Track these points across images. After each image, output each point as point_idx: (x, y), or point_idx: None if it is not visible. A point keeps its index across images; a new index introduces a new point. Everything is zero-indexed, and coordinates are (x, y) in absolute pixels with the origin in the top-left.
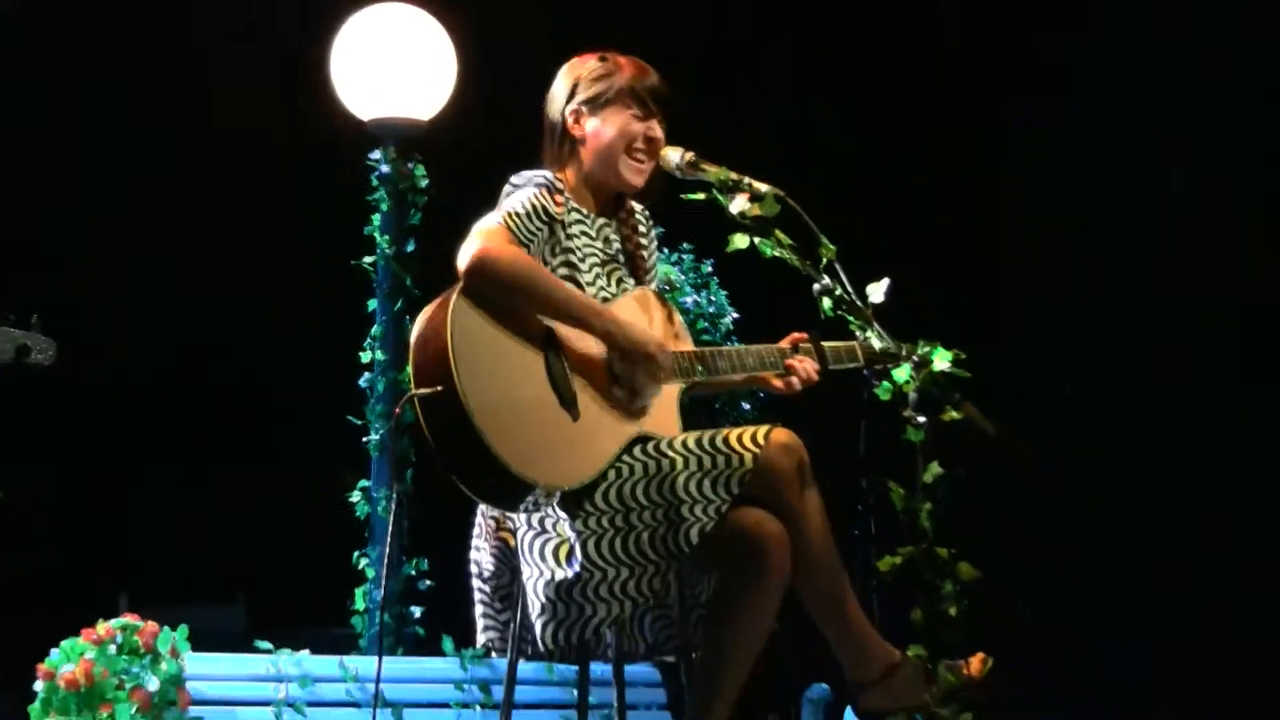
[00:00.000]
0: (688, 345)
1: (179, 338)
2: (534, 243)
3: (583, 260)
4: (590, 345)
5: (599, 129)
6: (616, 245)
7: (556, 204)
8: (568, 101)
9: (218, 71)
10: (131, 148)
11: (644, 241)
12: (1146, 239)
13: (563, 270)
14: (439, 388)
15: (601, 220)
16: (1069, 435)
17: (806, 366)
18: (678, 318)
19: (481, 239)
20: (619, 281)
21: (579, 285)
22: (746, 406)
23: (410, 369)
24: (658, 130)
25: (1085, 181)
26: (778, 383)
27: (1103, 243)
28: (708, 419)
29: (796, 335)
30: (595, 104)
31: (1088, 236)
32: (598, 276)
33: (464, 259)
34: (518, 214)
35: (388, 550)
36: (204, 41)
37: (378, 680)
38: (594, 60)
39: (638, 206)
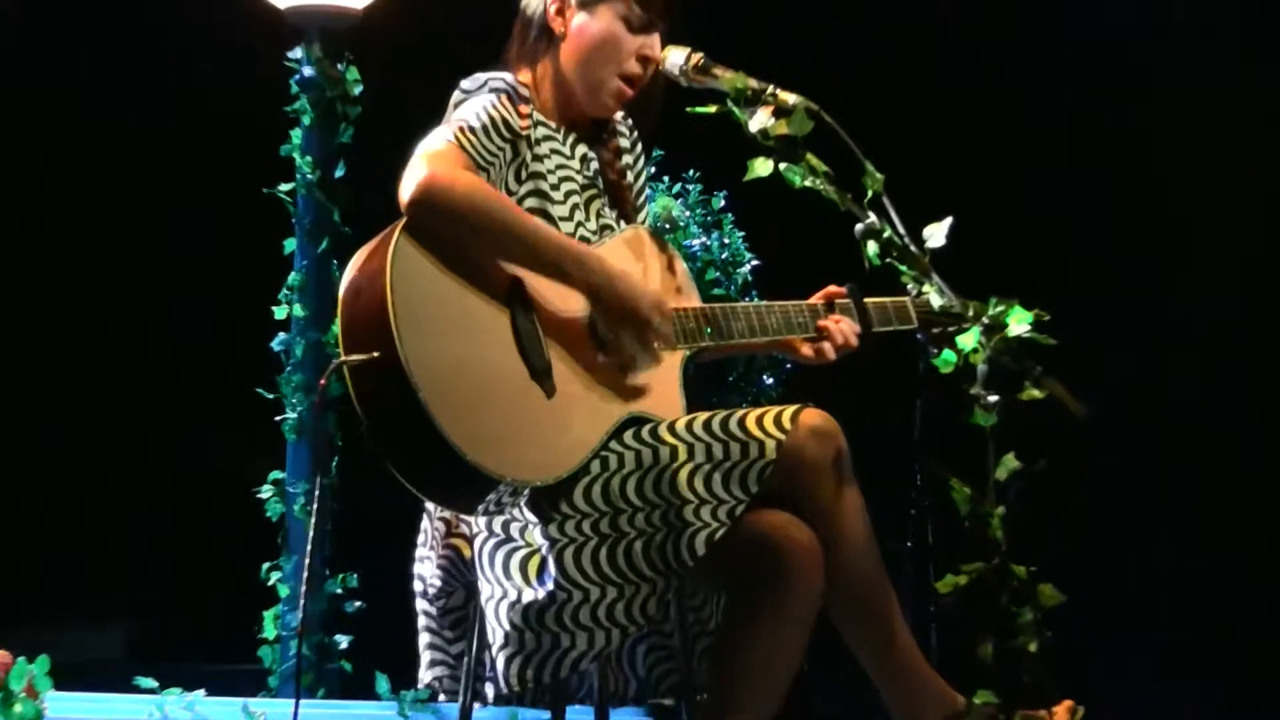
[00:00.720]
0: (694, 301)
1: (45, 284)
2: (494, 166)
3: (556, 188)
4: (569, 300)
5: (585, 26)
6: (596, 167)
7: (520, 115)
8: None
9: None
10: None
11: (629, 160)
12: None
13: (532, 201)
14: (374, 353)
15: (576, 136)
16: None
17: (844, 328)
18: (680, 266)
19: (427, 163)
20: (599, 216)
21: (551, 221)
22: (769, 380)
23: (338, 328)
24: (656, 48)
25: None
26: (807, 349)
27: None
28: (719, 396)
29: (833, 289)
30: None
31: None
32: (575, 209)
33: (407, 188)
34: (472, 129)
35: (307, 562)
36: None
37: None
38: None
39: (619, 116)
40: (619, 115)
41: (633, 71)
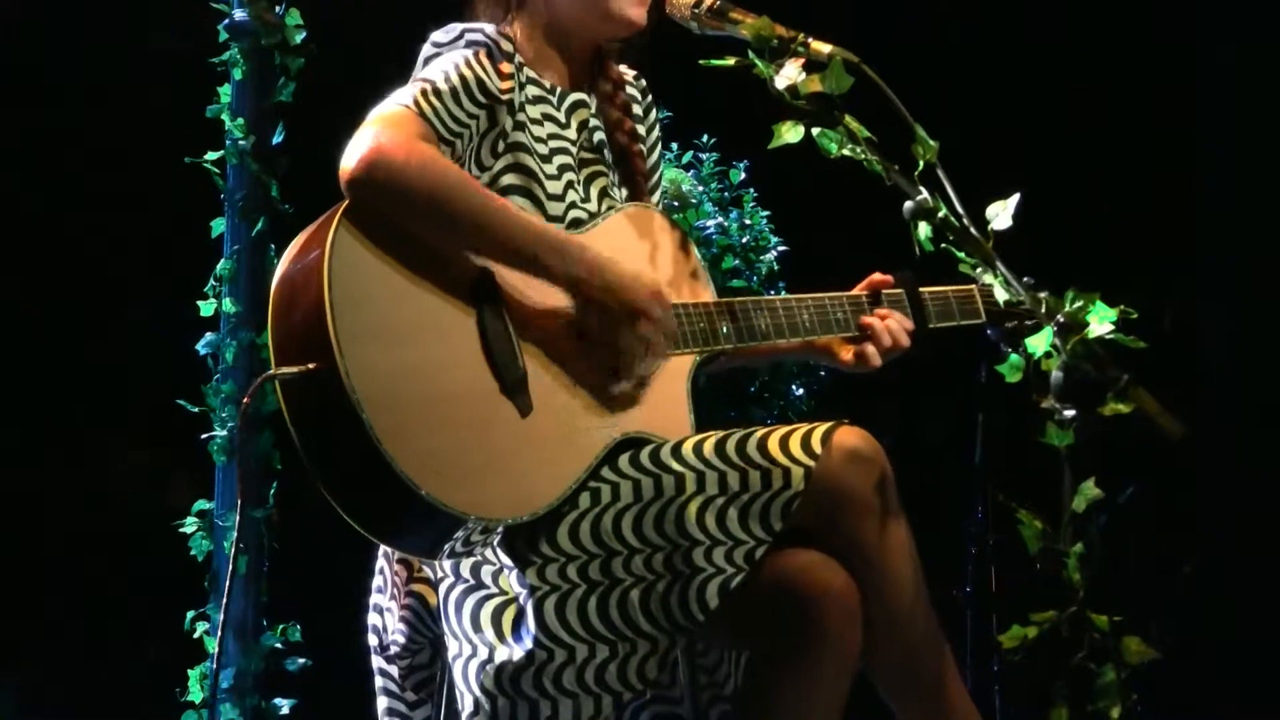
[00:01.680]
0: (708, 295)
1: None
2: (463, 136)
3: (547, 160)
4: (549, 296)
5: None
6: (600, 135)
7: (501, 74)
8: None
9: None
10: None
11: (640, 129)
12: None
13: (511, 178)
14: (310, 365)
15: (575, 96)
16: None
17: (892, 326)
18: (694, 252)
19: (377, 132)
20: (603, 193)
21: (539, 202)
22: (798, 391)
23: (269, 333)
24: None
25: None
26: (846, 354)
27: None
28: (737, 411)
29: (878, 278)
30: None
31: None
32: (569, 186)
33: (348, 162)
34: (438, 91)
35: (230, 608)
36: None
37: None
38: None
39: (630, 74)
40: (630, 75)
41: None
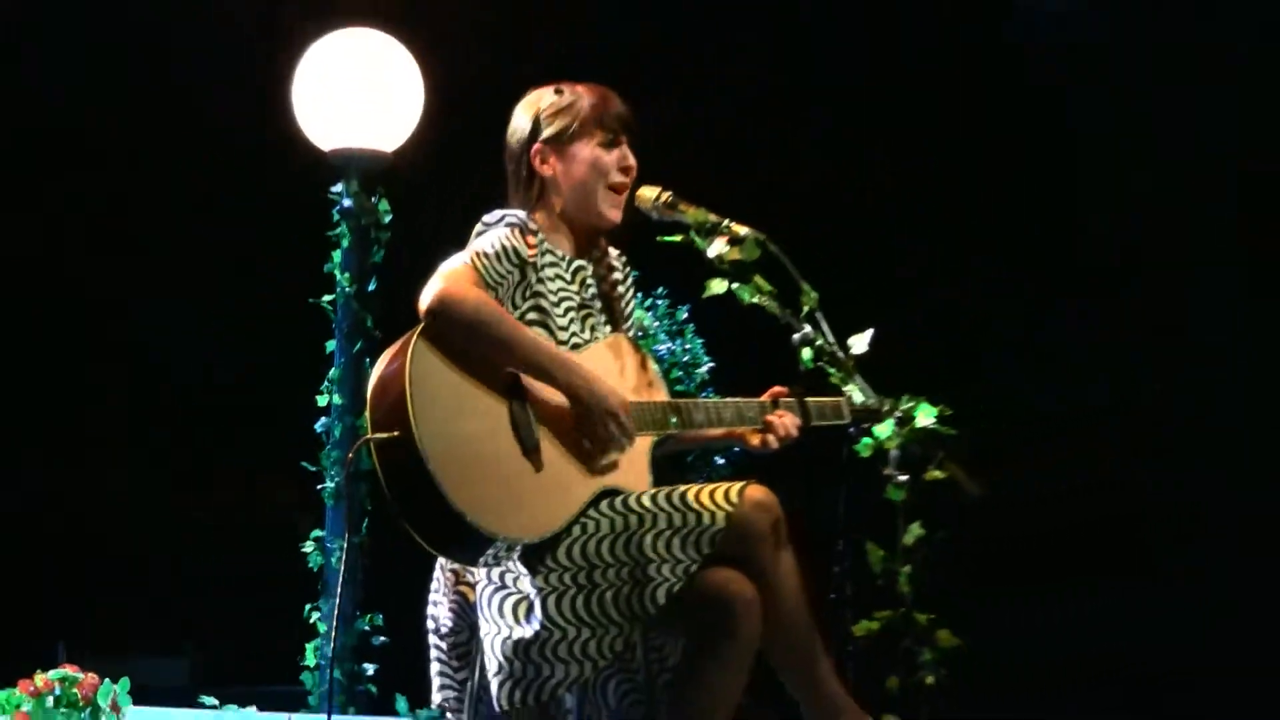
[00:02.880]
0: (662, 395)
1: (133, 373)
2: (503, 286)
3: (557, 305)
4: (557, 395)
5: (568, 166)
6: (592, 289)
7: (529, 245)
8: (530, 140)
9: (181, 96)
10: (89, 178)
11: (620, 286)
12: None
13: (533, 315)
14: (395, 433)
15: (578, 263)
16: None
17: (786, 423)
18: (652, 365)
19: (445, 280)
20: (593, 328)
21: (551, 331)
22: (720, 461)
23: (368, 413)
24: (630, 157)
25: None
26: (755, 439)
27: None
28: (678, 474)
29: (778, 389)
30: (560, 141)
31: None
32: (571, 321)
33: (425, 299)
34: (487, 254)
35: (338, 603)
36: (168, 64)
37: None
38: (550, 93)
39: (614, 251)
40: (614, 252)
41: (618, 181)
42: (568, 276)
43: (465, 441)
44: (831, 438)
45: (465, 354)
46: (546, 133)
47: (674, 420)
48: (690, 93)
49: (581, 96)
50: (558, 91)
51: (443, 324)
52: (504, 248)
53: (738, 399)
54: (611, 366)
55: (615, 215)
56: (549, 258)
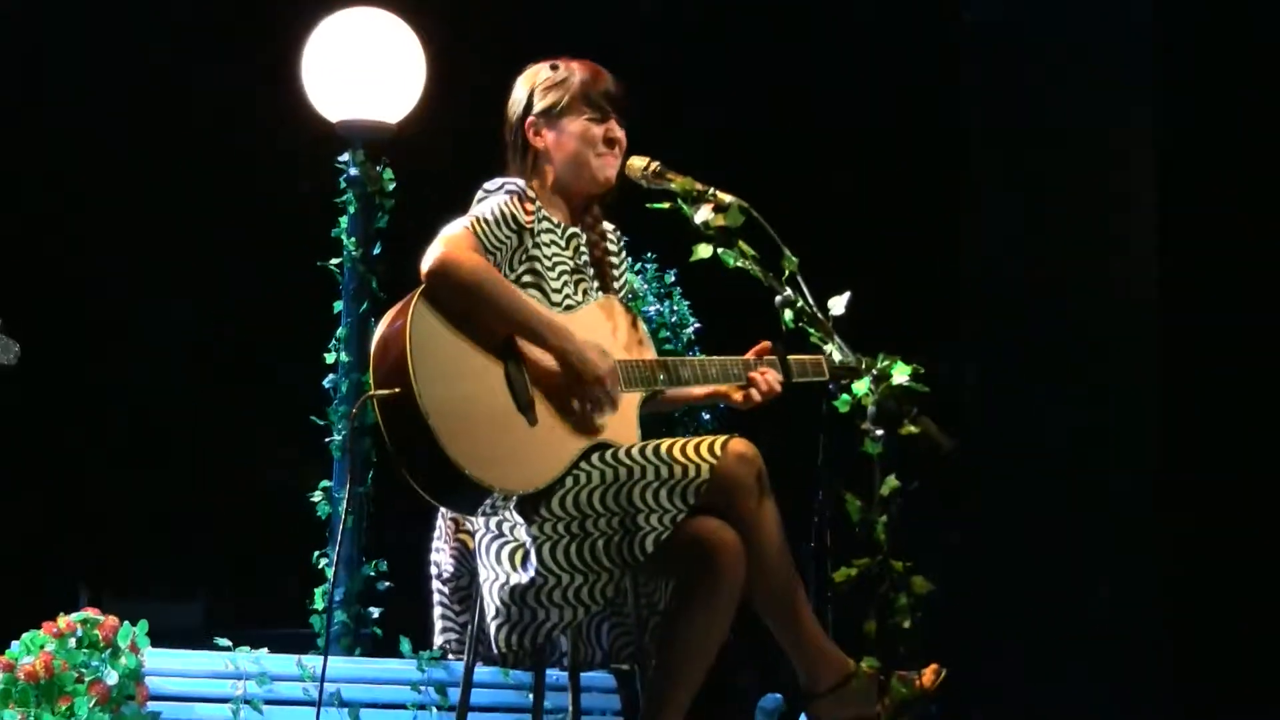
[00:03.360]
0: (650, 354)
1: (144, 336)
2: (501, 251)
3: (551, 269)
4: (549, 356)
5: (559, 138)
6: (585, 255)
7: (526, 212)
8: (525, 114)
9: (190, 73)
10: (100, 149)
11: (612, 249)
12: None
13: (528, 278)
14: (396, 390)
15: (572, 230)
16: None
17: (769, 378)
18: (641, 326)
19: (445, 244)
20: (585, 292)
21: (545, 293)
22: (706, 417)
23: (371, 371)
24: (617, 130)
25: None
26: (738, 396)
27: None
28: (667, 429)
29: (762, 346)
30: (551, 114)
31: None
32: (565, 285)
33: (426, 262)
34: (486, 220)
35: (338, 550)
36: (176, 43)
37: (322, 679)
38: (546, 69)
39: (609, 226)
40: (609, 227)
41: (606, 151)
42: (562, 243)
43: (463, 399)
44: (812, 395)
45: (463, 315)
46: (539, 106)
47: (661, 377)
48: (681, 62)
49: (574, 73)
50: (553, 67)
51: (441, 286)
52: (502, 214)
53: (723, 357)
54: (603, 327)
55: (610, 173)
56: (545, 224)
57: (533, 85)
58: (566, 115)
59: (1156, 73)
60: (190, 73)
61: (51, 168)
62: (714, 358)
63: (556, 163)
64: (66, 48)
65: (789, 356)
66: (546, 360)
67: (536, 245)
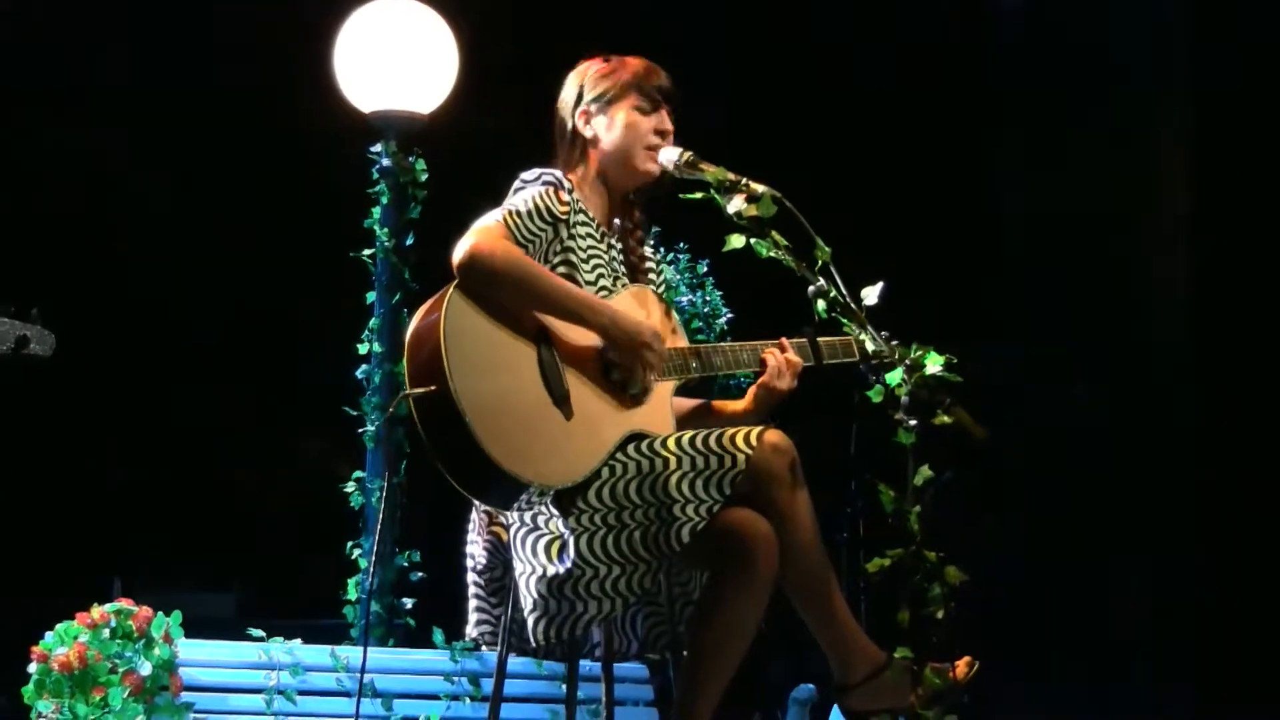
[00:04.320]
0: (683, 342)
1: (179, 326)
2: (534, 243)
3: (585, 261)
4: (583, 337)
5: (608, 126)
6: (620, 251)
7: (561, 202)
8: (576, 104)
9: (224, 65)
10: (137, 142)
11: (649, 254)
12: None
13: (563, 269)
14: (432, 387)
15: (605, 230)
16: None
17: (782, 358)
18: (674, 315)
19: (476, 235)
20: (618, 282)
21: (578, 283)
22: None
23: (405, 366)
24: (667, 122)
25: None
26: (769, 382)
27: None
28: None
29: (785, 340)
30: (601, 102)
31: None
32: (600, 277)
33: (457, 254)
34: (519, 212)
35: (376, 541)
36: (210, 35)
37: (363, 670)
38: (598, 62)
39: (649, 248)
40: (649, 248)
41: (654, 143)
42: (597, 236)
43: (499, 393)
44: (845, 385)
45: (498, 308)
46: (589, 95)
47: (694, 365)
48: (714, 58)
49: (626, 65)
50: (605, 60)
51: (472, 277)
52: (536, 206)
53: (754, 342)
54: (636, 312)
55: (653, 168)
56: (581, 216)
57: (584, 77)
58: (617, 103)
59: (1194, 63)
60: (225, 65)
61: (91, 162)
62: (744, 343)
63: (604, 151)
64: (107, 41)
65: (820, 339)
66: (580, 346)
67: (572, 237)
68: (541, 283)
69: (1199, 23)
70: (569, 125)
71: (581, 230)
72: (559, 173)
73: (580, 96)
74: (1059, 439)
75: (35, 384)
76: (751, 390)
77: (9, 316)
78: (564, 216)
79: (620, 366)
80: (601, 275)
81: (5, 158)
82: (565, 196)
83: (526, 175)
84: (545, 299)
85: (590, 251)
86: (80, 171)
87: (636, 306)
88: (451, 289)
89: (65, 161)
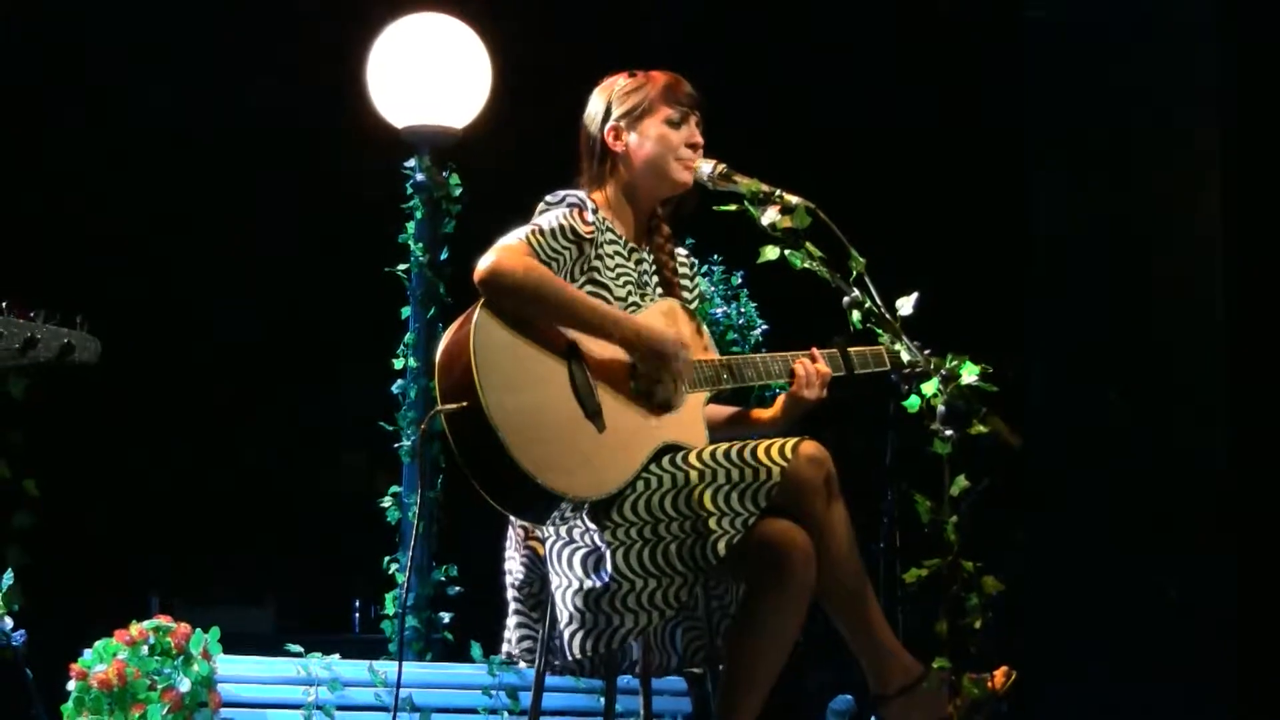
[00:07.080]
0: (714, 356)
1: (216, 340)
2: (558, 261)
3: (615, 279)
4: (613, 352)
5: (639, 141)
6: (645, 268)
7: (585, 223)
8: (604, 120)
9: (256, 80)
10: (171, 154)
11: (683, 270)
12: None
13: (589, 288)
14: (464, 403)
15: (632, 244)
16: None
17: (811, 368)
18: (705, 330)
19: (498, 252)
20: (646, 296)
21: (607, 301)
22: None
23: (436, 382)
24: (697, 135)
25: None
26: (799, 392)
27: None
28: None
29: (816, 349)
30: (631, 117)
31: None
32: (630, 294)
33: (479, 270)
34: (543, 231)
35: (411, 555)
36: (242, 50)
37: (398, 684)
38: (624, 77)
39: (682, 252)
40: (683, 252)
41: (685, 155)
42: (625, 252)
43: (531, 409)
44: (880, 395)
45: (525, 324)
46: (618, 111)
47: (725, 377)
48: (755, 61)
49: (653, 79)
50: (630, 74)
51: (496, 292)
52: (560, 226)
53: (785, 353)
54: (663, 327)
55: (686, 177)
56: (609, 235)
57: (611, 93)
58: (646, 118)
59: (1223, 70)
60: (258, 79)
61: (131, 176)
62: (776, 354)
63: (635, 166)
64: (143, 55)
65: (850, 349)
66: (609, 360)
67: (599, 256)
68: (564, 297)
69: (1241, 63)
70: (597, 141)
71: (609, 249)
72: (583, 194)
73: (608, 112)
74: (1098, 440)
75: (72, 401)
76: (780, 399)
77: (53, 324)
78: (589, 236)
79: (647, 378)
80: (632, 293)
81: (51, 167)
82: (590, 217)
83: (551, 197)
84: (568, 313)
85: (620, 269)
86: (126, 185)
87: (664, 320)
88: (479, 306)
89: (104, 174)
